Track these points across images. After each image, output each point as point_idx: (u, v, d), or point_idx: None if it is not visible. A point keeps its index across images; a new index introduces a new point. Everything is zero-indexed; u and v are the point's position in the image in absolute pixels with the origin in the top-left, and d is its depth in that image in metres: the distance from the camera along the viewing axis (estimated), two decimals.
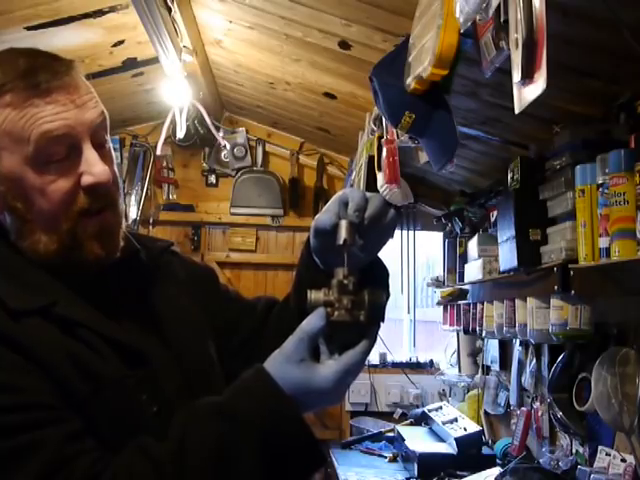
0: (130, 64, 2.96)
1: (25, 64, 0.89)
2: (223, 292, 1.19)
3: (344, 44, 2.35)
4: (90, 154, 0.90)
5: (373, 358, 3.84)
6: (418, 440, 2.98)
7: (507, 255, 2.00)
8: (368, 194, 0.91)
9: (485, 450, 2.89)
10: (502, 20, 1.21)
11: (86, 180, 0.89)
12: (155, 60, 2.72)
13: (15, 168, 0.89)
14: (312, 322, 0.82)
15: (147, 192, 3.84)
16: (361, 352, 0.82)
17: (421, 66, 1.56)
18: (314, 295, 0.84)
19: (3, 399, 0.80)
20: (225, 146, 3.77)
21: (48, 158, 0.88)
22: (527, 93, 1.15)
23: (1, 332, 0.83)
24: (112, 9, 2.38)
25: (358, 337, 0.83)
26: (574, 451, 2.23)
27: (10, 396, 0.81)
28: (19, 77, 0.88)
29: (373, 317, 0.84)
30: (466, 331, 2.84)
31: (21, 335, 0.84)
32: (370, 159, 2.60)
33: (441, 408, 3.31)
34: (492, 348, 3.09)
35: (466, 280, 2.66)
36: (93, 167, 0.89)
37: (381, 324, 0.88)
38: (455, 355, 3.65)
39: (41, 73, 0.89)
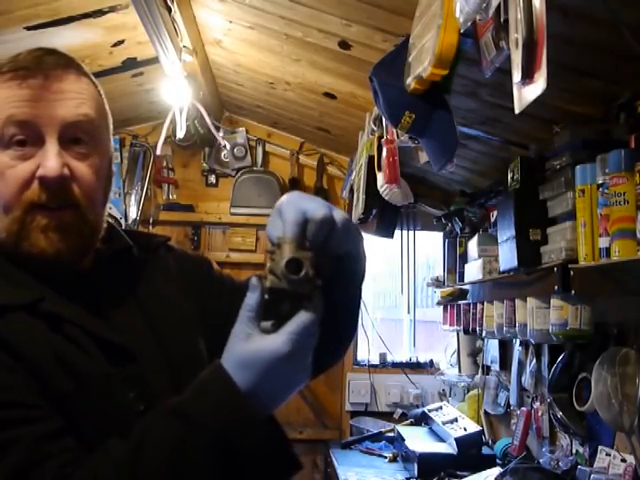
0: (130, 64, 2.96)
1: (21, 54, 0.92)
2: (217, 280, 1.16)
3: (344, 44, 2.35)
4: (50, 147, 0.89)
5: (373, 358, 3.84)
6: (418, 440, 2.98)
7: (507, 255, 2.00)
8: (334, 214, 0.82)
9: (485, 450, 2.89)
10: (502, 20, 1.21)
11: (38, 171, 0.89)
12: (155, 60, 2.72)
13: None
14: (248, 295, 0.78)
15: (147, 192, 3.84)
16: (309, 312, 0.76)
17: (421, 66, 1.56)
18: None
19: None
20: (225, 146, 3.77)
21: (9, 140, 0.89)
22: (527, 93, 1.15)
23: None
24: (112, 9, 2.38)
25: (308, 301, 0.78)
26: (574, 451, 2.23)
27: None
28: (7, 63, 0.91)
29: (310, 278, 0.77)
30: (466, 331, 2.84)
31: (5, 331, 0.84)
32: (370, 159, 2.61)
33: (441, 408, 3.31)
34: (492, 348, 3.09)
35: (466, 280, 2.66)
36: (46, 160, 0.89)
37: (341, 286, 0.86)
38: (455, 355, 3.65)
39: (26, 61, 0.91)
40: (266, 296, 0.77)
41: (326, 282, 0.82)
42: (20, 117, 0.88)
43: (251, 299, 0.77)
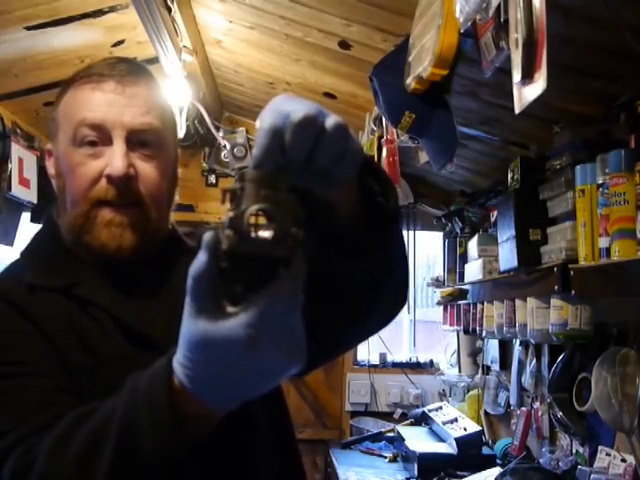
0: None
1: (95, 62, 1.01)
2: None
3: (344, 44, 2.35)
4: (117, 148, 0.95)
5: (373, 358, 3.84)
6: (418, 440, 2.98)
7: (507, 255, 2.00)
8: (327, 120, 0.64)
9: (485, 450, 2.89)
10: (502, 20, 1.21)
11: (105, 170, 0.95)
12: (155, 60, 2.72)
13: (64, 146, 0.98)
14: (196, 261, 0.59)
15: None
16: (282, 283, 0.58)
17: (421, 66, 1.56)
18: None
19: None
20: (225, 146, 3.77)
21: (82, 140, 0.96)
22: (527, 93, 1.15)
23: (12, 300, 0.91)
24: (112, 9, 2.38)
25: (284, 266, 0.58)
26: (574, 451, 2.23)
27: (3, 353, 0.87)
28: (82, 71, 1.00)
29: (286, 235, 0.56)
30: (466, 331, 2.84)
31: (34, 305, 0.91)
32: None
33: (441, 408, 3.31)
34: (492, 348, 3.09)
35: (466, 280, 2.66)
36: (114, 160, 0.94)
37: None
38: (455, 355, 3.65)
39: (100, 68, 0.98)
40: (223, 264, 0.57)
41: (322, 230, 0.70)
42: (92, 120, 0.95)
43: (201, 265, 0.58)
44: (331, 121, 0.63)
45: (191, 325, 0.60)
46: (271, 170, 0.60)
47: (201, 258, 0.58)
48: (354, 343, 1.08)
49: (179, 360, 0.63)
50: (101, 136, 0.95)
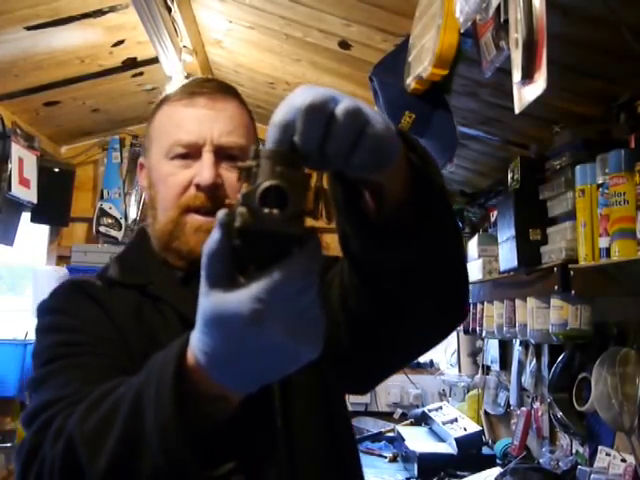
0: (130, 64, 2.96)
1: (187, 83, 1.11)
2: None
3: (344, 44, 2.35)
4: (206, 159, 1.02)
5: None
6: (418, 440, 2.98)
7: (507, 255, 2.00)
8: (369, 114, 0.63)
9: (485, 450, 2.89)
10: (502, 20, 1.21)
11: (195, 179, 1.02)
12: (155, 60, 2.73)
13: (156, 158, 1.06)
14: (210, 239, 0.59)
15: None
16: (294, 261, 0.57)
17: (421, 66, 1.56)
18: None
19: (62, 336, 0.95)
20: None
21: (174, 154, 1.03)
22: (527, 93, 1.15)
23: (90, 290, 1.01)
24: (112, 9, 2.39)
25: (298, 244, 0.57)
26: (574, 451, 2.23)
27: (69, 334, 0.95)
28: (176, 90, 1.09)
29: (299, 212, 0.56)
30: (466, 331, 2.84)
31: (108, 297, 1.00)
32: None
33: (441, 408, 3.31)
34: (492, 348, 3.09)
35: None
36: (203, 170, 1.01)
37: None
38: (455, 355, 3.65)
39: (192, 87, 1.07)
40: (236, 241, 0.56)
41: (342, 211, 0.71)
42: (185, 140, 1.02)
43: (214, 242, 0.58)
44: (342, 106, 0.61)
45: (204, 300, 0.60)
46: (286, 148, 0.58)
47: (214, 235, 0.58)
48: (406, 351, 0.99)
49: (195, 335, 0.64)
50: (192, 151, 1.03)
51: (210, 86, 1.07)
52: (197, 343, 0.63)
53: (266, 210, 0.54)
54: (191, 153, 1.03)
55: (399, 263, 0.79)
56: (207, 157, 1.02)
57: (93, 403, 0.76)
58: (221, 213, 0.57)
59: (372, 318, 0.87)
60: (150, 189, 1.08)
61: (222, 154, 1.03)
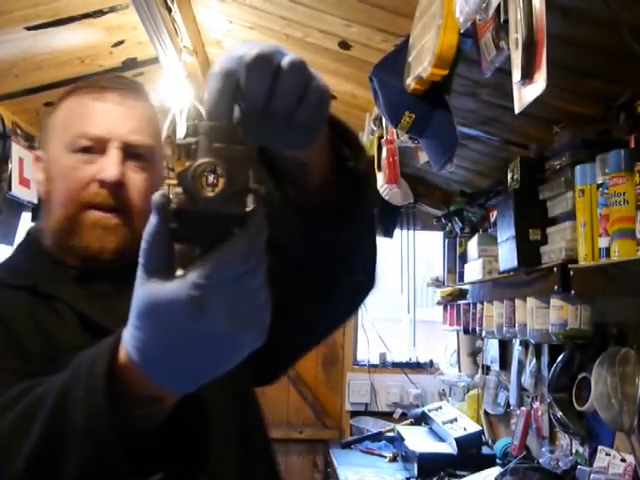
0: (130, 64, 2.95)
1: (96, 77, 1.05)
2: None
3: (344, 44, 2.35)
4: (112, 155, 0.98)
5: (373, 358, 3.85)
6: (418, 440, 2.98)
7: (507, 255, 2.00)
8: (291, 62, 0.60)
9: (485, 450, 2.89)
10: (502, 20, 1.21)
11: (97, 175, 0.97)
12: (155, 60, 2.72)
13: (56, 150, 1.00)
14: (148, 224, 0.55)
15: None
16: (235, 242, 0.53)
17: (421, 66, 1.56)
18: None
19: None
20: None
21: (78, 147, 0.99)
22: (527, 93, 1.15)
23: None
24: (112, 9, 2.38)
25: (239, 224, 0.53)
26: (574, 451, 2.23)
27: None
28: (84, 82, 1.04)
29: (238, 191, 0.51)
30: (466, 331, 2.85)
31: None
32: (370, 159, 2.61)
33: (441, 408, 3.31)
34: (492, 348, 3.09)
35: (466, 280, 2.66)
36: (108, 165, 0.97)
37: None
38: (455, 355, 3.65)
39: (105, 81, 1.03)
40: (173, 224, 0.53)
41: (282, 184, 0.68)
42: (92, 133, 0.98)
43: (151, 227, 0.55)
44: (288, 58, 0.59)
45: (140, 290, 0.56)
46: (226, 121, 0.55)
47: (152, 219, 0.54)
48: (315, 332, 1.00)
49: (128, 331, 0.58)
50: (97, 145, 0.98)
51: (122, 83, 1.04)
52: (129, 339, 0.58)
53: (203, 190, 0.50)
54: (96, 147, 0.98)
55: (322, 245, 0.80)
56: (114, 153, 0.98)
57: (6, 404, 0.70)
58: (157, 195, 0.53)
59: (288, 301, 0.80)
60: (46, 183, 1.02)
61: (129, 152, 0.99)
